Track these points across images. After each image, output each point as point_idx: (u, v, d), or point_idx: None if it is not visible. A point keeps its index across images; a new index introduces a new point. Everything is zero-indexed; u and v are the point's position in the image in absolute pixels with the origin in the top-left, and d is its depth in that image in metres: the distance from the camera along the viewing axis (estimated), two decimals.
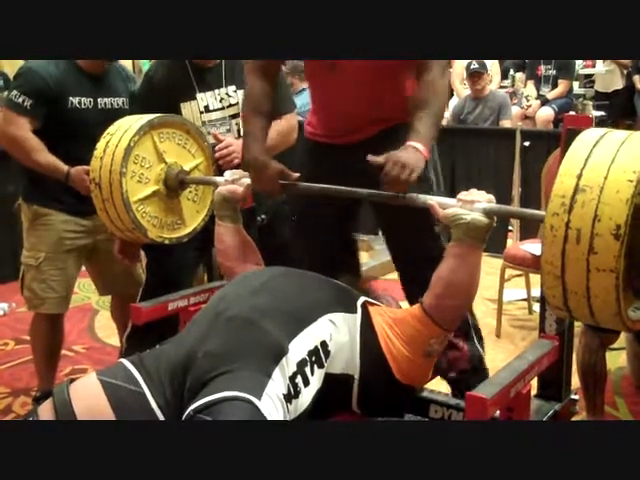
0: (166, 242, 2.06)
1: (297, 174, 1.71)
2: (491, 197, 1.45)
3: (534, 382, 1.64)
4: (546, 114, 5.53)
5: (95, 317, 3.70)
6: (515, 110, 5.60)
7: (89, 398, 1.34)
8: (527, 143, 4.35)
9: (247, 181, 1.79)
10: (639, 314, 1.28)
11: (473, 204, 1.44)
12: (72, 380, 1.40)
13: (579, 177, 1.17)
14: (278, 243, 2.24)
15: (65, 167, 2.33)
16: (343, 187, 1.70)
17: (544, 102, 5.61)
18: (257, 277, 1.60)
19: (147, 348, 1.49)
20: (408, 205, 1.56)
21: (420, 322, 1.52)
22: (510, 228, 4.56)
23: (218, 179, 1.91)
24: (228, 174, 1.86)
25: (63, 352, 2.92)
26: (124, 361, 1.44)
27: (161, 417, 1.33)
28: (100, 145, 1.97)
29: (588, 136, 1.24)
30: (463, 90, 5.65)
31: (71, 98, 2.34)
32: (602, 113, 5.93)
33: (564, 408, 1.74)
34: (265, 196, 1.71)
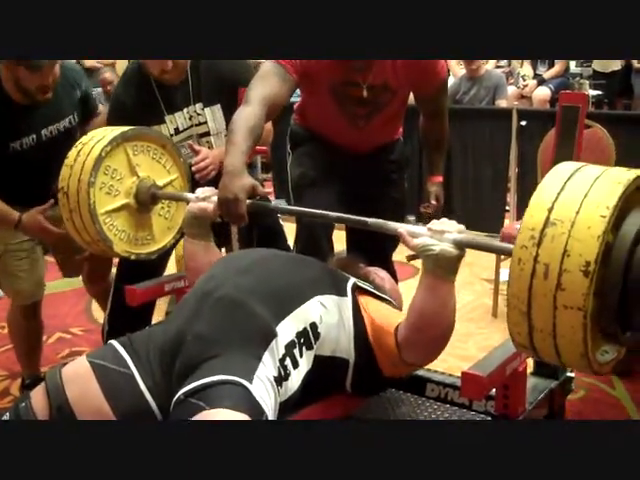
0: (132, 257, 2.00)
1: (269, 190, 1.70)
2: (461, 227, 1.40)
3: (530, 360, 1.62)
4: (543, 94, 5.48)
5: (92, 299, 3.60)
6: (511, 90, 5.53)
7: (80, 381, 1.36)
8: (524, 123, 4.30)
9: None
10: (607, 357, 1.23)
11: (443, 234, 1.39)
12: (65, 364, 1.42)
13: (550, 210, 1.13)
14: (267, 224, 2.24)
15: (16, 215, 2.22)
16: (314, 210, 1.70)
17: (541, 82, 5.56)
18: (246, 257, 1.59)
19: (131, 327, 1.50)
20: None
21: (389, 346, 1.49)
22: (507, 208, 4.54)
23: (189, 196, 1.86)
24: (199, 191, 1.81)
25: (60, 335, 3.09)
26: (114, 342, 1.45)
27: (150, 399, 1.35)
28: (72, 153, 1.93)
29: (562, 169, 1.20)
30: (459, 70, 5.57)
31: (11, 144, 2.21)
32: (599, 92, 5.81)
33: (560, 386, 1.73)
34: (229, 218, 1.65)
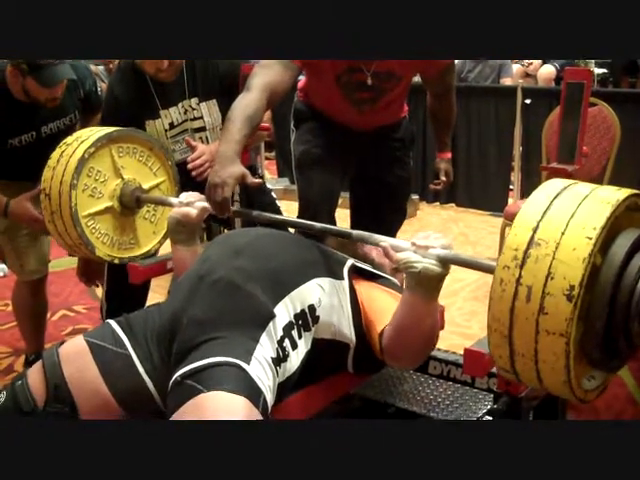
0: (115, 262, 1.96)
1: (259, 180, 1.68)
2: (446, 243, 1.35)
3: None
4: (548, 71, 5.43)
5: None
6: (516, 68, 5.49)
7: (78, 361, 1.36)
8: (528, 101, 4.28)
9: (202, 204, 1.70)
10: (594, 384, 1.18)
11: (427, 250, 1.33)
12: (62, 342, 1.42)
13: (535, 230, 1.07)
14: (263, 205, 2.22)
15: (4, 199, 2.20)
16: (299, 220, 1.67)
17: (546, 60, 5.50)
18: (241, 237, 1.56)
19: (128, 304, 1.52)
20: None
21: (376, 346, 1.46)
22: (511, 187, 4.53)
23: (173, 200, 1.81)
24: (183, 196, 1.77)
25: (64, 312, 3.15)
26: (112, 322, 1.44)
27: (148, 381, 1.36)
28: (54, 155, 1.89)
29: (550, 187, 1.15)
30: None
31: (10, 140, 2.19)
32: (604, 71, 5.72)
33: None
34: (213, 205, 1.60)
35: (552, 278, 1.03)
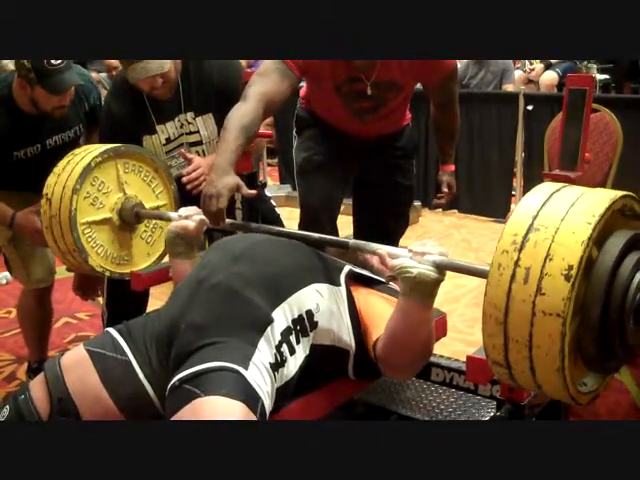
0: (107, 274, 1.94)
1: (254, 191, 1.68)
2: (443, 249, 1.35)
3: None
4: (550, 78, 5.38)
5: None
6: (518, 74, 5.49)
7: (79, 370, 1.37)
8: (530, 107, 4.26)
9: (200, 217, 1.71)
10: (586, 389, 1.15)
11: (423, 256, 1.33)
12: (63, 353, 1.43)
13: (535, 217, 1.09)
14: (262, 212, 2.21)
15: (10, 212, 2.21)
16: (297, 231, 1.68)
17: (548, 66, 5.47)
18: (240, 242, 1.55)
19: (129, 311, 1.54)
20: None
21: (371, 354, 1.44)
22: (513, 193, 4.48)
23: (172, 214, 1.82)
24: (182, 210, 1.78)
25: (66, 319, 3.14)
26: (111, 330, 1.45)
27: (148, 386, 1.36)
28: (61, 163, 1.92)
29: (549, 185, 1.17)
30: None
31: (15, 152, 2.22)
32: (606, 77, 5.60)
33: None
34: (208, 216, 1.60)
35: (551, 259, 1.04)
